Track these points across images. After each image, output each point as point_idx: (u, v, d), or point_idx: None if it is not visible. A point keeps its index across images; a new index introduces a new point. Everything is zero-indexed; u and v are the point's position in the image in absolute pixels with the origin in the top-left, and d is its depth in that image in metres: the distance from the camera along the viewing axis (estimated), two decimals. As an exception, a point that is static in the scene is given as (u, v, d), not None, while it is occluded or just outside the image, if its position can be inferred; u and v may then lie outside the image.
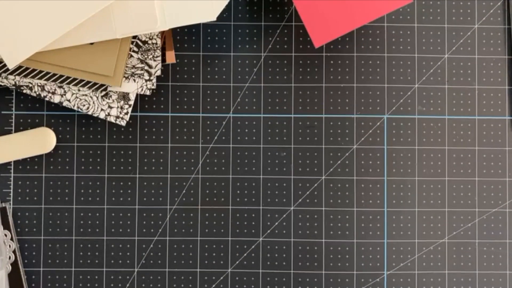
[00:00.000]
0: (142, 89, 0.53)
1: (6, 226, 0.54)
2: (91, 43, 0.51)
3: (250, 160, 0.56)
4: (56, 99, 0.53)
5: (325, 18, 0.50)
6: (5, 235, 0.54)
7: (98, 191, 0.55)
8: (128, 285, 0.55)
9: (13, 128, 0.55)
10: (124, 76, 0.52)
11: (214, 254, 0.55)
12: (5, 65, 0.52)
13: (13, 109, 0.56)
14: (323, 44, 0.54)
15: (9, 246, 0.54)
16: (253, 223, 0.56)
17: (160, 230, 0.55)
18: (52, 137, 0.54)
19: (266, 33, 0.57)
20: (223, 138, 0.56)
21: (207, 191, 0.56)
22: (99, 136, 0.56)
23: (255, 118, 0.56)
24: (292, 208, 0.56)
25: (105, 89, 0.52)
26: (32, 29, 0.49)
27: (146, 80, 0.53)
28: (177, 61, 0.56)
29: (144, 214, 0.55)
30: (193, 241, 0.55)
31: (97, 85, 0.52)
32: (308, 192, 0.56)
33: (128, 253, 0.55)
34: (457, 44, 0.57)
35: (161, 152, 0.56)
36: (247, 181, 0.56)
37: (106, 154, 0.56)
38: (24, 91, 0.53)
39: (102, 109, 0.53)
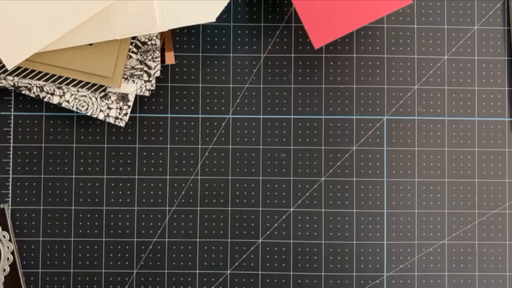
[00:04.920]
0: (141, 90, 0.53)
1: (4, 227, 0.54)
2: (90, 44, 0.51)
3: (249, 161, 0.56)
4: (55, 100, 0.53)
5: (324, 19, 0.50)
6: (4, 236, 0.54)
7: (97, 192, 0.55)
8: (127, 286, 0.55)
9: (11, 129, 0.55)
10: (123, 77, 0.52)
11: (213, 255, 0.55)
12: (4, 66, 0.52)
13: (12, 110, 0.56)
14: (322, 45, 0.54)
15: (8, 247, 0.54)
16: (253, 224, 0.55)
17: (159, 231, 0.55)
18: None
19: (265, 34, 0.56)
20: (223, 139, 0.56)
21: (207, 192, 0.56)
22: (98, 137, 0.56)
23: (255, 119, 0.56)
24: (291, 209, 0.56)
25: (104, 90, 0.52)
26: (31, 29, 0.49)
27: (145, 81, 0.53)
28: (176, 62, 0.56)
29: (143, 215, 0.55)
30: (192, 243, 0.55)
31: (96, 86, 0.52)
32: (307, 194, 0.56)
33: (127, 254, 0.55)
34: (456, 45, 0.57)
35: (160, 153, 0.56)
36: (247, 182, 0.56)
37: (105, 155, 0.56)
38: (23, 92, 0.53)
39: (101, 110, 0.53)
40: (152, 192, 0.55)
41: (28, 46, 0.49)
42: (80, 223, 0.55)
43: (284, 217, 0.56)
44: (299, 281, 0.55)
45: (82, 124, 0.56)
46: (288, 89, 0.56)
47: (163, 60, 0.54)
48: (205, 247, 0.55)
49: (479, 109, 0.57)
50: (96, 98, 0.53)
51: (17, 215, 0.55)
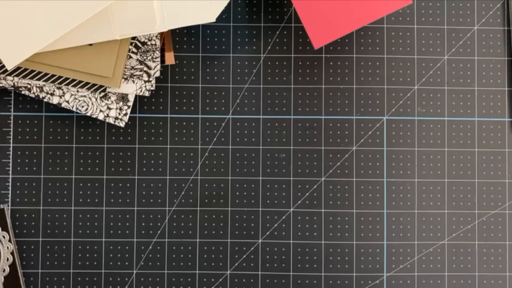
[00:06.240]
0: (141, 90, 0.53)
1: (4, 228, 0.54)
2: (90, 44, 0.51)
3: (249, 161, 0.56)
4: (55, 100, 0.53)
5: (324, 19, 0.50)
6: (3, 237, 0.54)
7: (96, 192, 0.55)
8: (127, 286, 0.55)
9: (11, 129, 0.55)
10: (123, 77, 0.52)
11: (213, 255, 0.55)
12: (3, 66, 0.52)
13: (12, 110, 0.56)
14: (322, 46, 0.54)
15: (7, 247, 0.54)
16: (252, 224, 0.55)
17: (159, 232, 0.55)
18: None
19: (265, 34, 0.56)
20: (222, 139, 0.56)
21: (206, 193, 0.55)
22: (97, 138, 0.56)
23: (255, 119, 0.56)
24: (291, 209, 0.56)
25: (104, 90, 0.52)
26: (31, 30, 0.49)
27: (145, 81, 0.53)
28: (176, 62, 0.56)
29: (143, 216, 0.55)
30: (192, 243, 0.55)
31: (96, 86, 0.52)
32: (307, 194, 0.56)
33: (126, 255, 0.55)
34: (456, 45, 0.57)
35: (160, 154, 0.56)
36: (246, 182, 0.56)
37: (105, 155, 0.56)
38: (23, 92, 0.53)
39: (101, 110, 0.53)
40: (152, 192, 0.55)
41: (28, 46, 0.49)
42: (80, 223, 0.55)
43: (284, 217, 0.56)
44: (299, 281, 0.55)
45: (82, 124, 0.56)
46: (288, 89, 0.56)
47: (163, 60, 0.54)
48: (205, 247, 0.55)
49: (479, 109, 0.57)
50: (96, 98, 0.53)
51: (17, 215, 0.55)
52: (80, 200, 0.55)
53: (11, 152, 0.55)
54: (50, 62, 0.51)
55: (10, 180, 0.55)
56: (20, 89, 0.53)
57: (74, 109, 0.53)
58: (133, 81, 0.53)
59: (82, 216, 0.55)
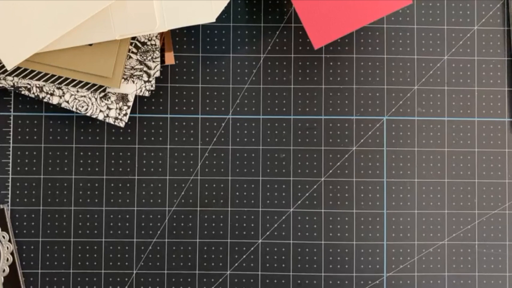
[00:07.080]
0: (141, 90, 0.53)
1: (4, 228, 0.54)
2: (90, 44, 0.51)
3: (249, 161, 0.56)
4: (54, 100, 0.53)
5: (324, 19, 0.50)
6: (3, 237, 0.54)
7: (96, 192, 0.55)
8: (127, 286, 0.55)
9: (11, 129, 0.55)
10: (123, 77, 0.52)
11: (213, 256, 0.55)
12: (3, 66, 0.52)
13: (11, 110, 0.56)
14: (322, 46, 0.54)
15: (7, 247, 0.54)
16: (252, 225, 0.55)
17: (159, 232, 0.55)
18: None
19: (265, 34, 0.56)
20: (222, 139, 0.56)
21: (206, 193, 0.55)
22: (97, 138, 0.56)
23: (255, 119, 0.56)
24: (291, 210, 0.56)
25: (104, 90, 0.52)
26: (31, 30, 0.49)
27: (145, 81, 0.53)
28: (176, 62, 0.56)
29: (143, 216, 0.55)
30: (192, 243, 0.55)
31: (96, 86, 0.52)
32: (307, 194, 0.56)
33: (126, 255, 0.55)
34: (456, 45, 0.57)
35: (160, 154, 0.56)
36: (246, 182, 0.56)
37: (105, 155, 0.56)
38: (23, 92, 0.53)
39: (101, 111, 0.53)
40: (151, 193, 0.55)
41: (28, 46, 0.49)
42: (80, 223, 0.55)
43: (284, 217, 0.56)
44: (299, 281, 0.55)
45: (81, 124, 0.56)
46: (288, 90, 0.56)
47: (163, 61, 0.54)
48: (205, 248, 0.55)
49: (479, 109, 0.57)
50: (96, 99, 0.53)
51: (17, 215, 0.55)
52: (80, 200, 0.55)
53: (11, 152, 0.55)
54: (50, 62, 0.51)
55: (10, 180, 0.55)
56: (20, 89, 0.53)
57: (74, 109, 0.53)
58: (133, 81, 0.53)
59: (82, 216, 0.55)
